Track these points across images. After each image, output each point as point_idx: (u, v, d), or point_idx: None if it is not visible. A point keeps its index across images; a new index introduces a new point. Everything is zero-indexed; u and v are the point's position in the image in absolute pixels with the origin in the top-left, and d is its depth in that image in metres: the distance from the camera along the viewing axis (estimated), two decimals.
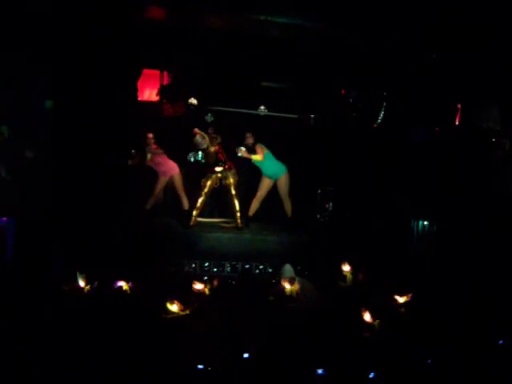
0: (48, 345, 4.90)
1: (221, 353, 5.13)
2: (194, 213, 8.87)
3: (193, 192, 9.25)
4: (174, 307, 5.98)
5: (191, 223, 8.83)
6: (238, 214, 8.97)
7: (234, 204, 8.97)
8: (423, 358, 5.17)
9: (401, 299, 6.58)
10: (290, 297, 6.69)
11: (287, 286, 6.72)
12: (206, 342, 5.33)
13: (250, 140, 9.09)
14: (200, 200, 8.90)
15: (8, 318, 5.28)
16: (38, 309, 5.60)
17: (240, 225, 8.95)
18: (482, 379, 4.93)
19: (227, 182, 8.97)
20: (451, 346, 5.41)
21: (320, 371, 4.80)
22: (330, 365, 4.84)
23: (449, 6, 7.13)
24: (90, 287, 6.43)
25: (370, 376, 4.83)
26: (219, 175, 8.95)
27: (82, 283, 6.41)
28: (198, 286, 6.77)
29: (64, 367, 4.62)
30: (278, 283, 6.91)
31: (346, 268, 7.57)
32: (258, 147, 9.04)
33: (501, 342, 5.50)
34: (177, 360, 4.99)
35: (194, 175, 9.38)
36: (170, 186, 9.42)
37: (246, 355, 5.12)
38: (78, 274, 6.42)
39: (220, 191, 9.25)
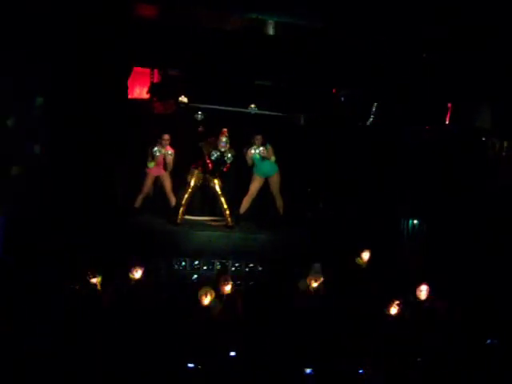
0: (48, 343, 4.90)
1: (214, 351, 5.15)
2: (181, 210, 8.81)
3: (181, 190, 9.23)
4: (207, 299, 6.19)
5: (178, 221, 8.78)
6: (227, 212, 8.93)
7: (221, 203, 8.93)
8: (414, 356, 5.20)
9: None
10: (313, 294, 6.98)
11: (314, 284, 7.00)
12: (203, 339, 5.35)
13: (259, 142, 9.05)
14: (186, 196, 8.83)
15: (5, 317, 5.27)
16: (35, 308, 5.59)
17: (230, 223, 8.93)
18: (470, 377, 4.96)
19: (211, 184, 8.93)
20: (441, 344, 5.44)
21: (308, 371, 4.82)
22: (318, 364, 4.86)
23: (443, 6, 7.16)
24: (101, 282, 6.51)
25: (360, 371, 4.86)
26: (206, 175, 8.91)
27: (94, 280, 6.46)
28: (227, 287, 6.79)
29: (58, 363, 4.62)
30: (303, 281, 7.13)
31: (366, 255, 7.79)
32: (270, 149, 9.03)
33: (488, 341, 5.54)
34: (169, 359, 5.00)
35: (182, 173, 9.36)
36: (158, 184, 9.37)
37: (232, 353, 5.13)
38: (87, 272, 6.45)
39: (208, 189, 9.23)
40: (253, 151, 8.95)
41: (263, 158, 8.99)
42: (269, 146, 9.05)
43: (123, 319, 5.72)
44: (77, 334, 5.25)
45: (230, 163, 8.80)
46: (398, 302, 6.40)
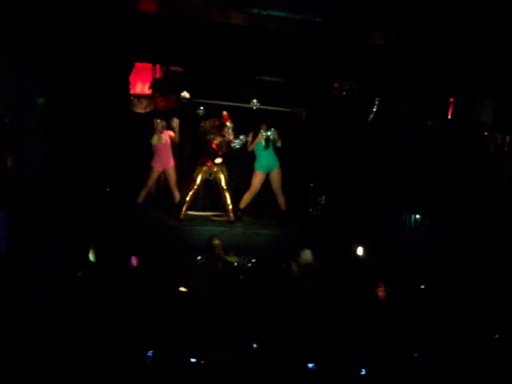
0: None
1: (216, 345, 5.15)
2: (184, 207, 8.85)
3: (185, 186, 9.26)
4: None
5: (181, 217, 8.81)
6: (230, 207, 8.96)
7: (225, 198, 8.96)
8: (411, 352, 5.17)
9: None
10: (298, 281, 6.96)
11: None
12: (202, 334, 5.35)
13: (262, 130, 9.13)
14: (190, 193, 8.86)
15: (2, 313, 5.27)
16: (33, 304, 5.59)
17: (232, 218, 8.95)
18: (477, 373, 4.94)
19: (218, 175, 8.96)
20: (444, 340, 5.42)
21: (311, 365, 4.81)
22: (321, 359, 4.86)
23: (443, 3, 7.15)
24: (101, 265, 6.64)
25: (362, 373, 4.85)
26: (214, 169, 8.94)
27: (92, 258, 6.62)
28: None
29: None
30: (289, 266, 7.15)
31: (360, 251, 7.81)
32: (276, 132, 9.15)
33: (496, 336, 5.50)
34: (170, 353, 5.00)
35: (188, 169, 9.40)
36: (162, 180, 9.39)
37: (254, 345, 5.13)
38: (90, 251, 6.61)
39: (211, 184, 9.25)
40: (264, 133, 9.00)
41: (267, 146, 9.01)
42: (275, 130, 9.11)
43: (123, 314, 5.73)
44: (79, 326, 5.25)
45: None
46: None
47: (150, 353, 4.84)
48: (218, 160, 8.91)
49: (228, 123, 8.81)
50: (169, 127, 9.08)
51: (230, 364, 4.95)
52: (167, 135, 9.04)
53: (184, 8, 7.86)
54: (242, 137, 9.00)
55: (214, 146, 8.86)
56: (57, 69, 7.35)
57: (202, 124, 8.99)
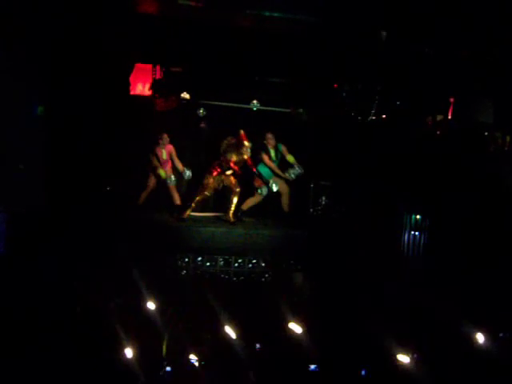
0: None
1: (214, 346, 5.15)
2: (188, 210, 8.87)
3: (189, 188, 9.28)
4: None
5: (184, 217, 8.81)
6: (232, 209, 8.95)
7: (231, 199, 8.97)
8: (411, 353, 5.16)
9: None
10: None
11: None
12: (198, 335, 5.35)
13: (271, 141, 9.10)
14: (197, 198, 8.93)
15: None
16: (33, 304, 5.60)
17: (231, 219, 8.94)
18: (482, 372, 4.93)
19: (229, 180, 8.97)
20: (447, 339, 5.41)
21: (313, 367, 4.81)
22: (322, 361, 4.86)
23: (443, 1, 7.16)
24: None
25: (362, 373, 4.84)
26: (223, 177, 8.95)
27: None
28: None
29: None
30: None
31: None
32: (284, 148, 9.14)
33: (501, 334, 5.50)
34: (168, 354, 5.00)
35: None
36: (161, 181, 9.39)
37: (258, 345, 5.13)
38: None
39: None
40: (291, 171, 8.98)
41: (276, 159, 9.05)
42: (282, 146, 9.07)
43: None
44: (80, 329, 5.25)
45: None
46: None
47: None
48: (229, 172, 8.93)
49: (246, 143, 8.76)
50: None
51: (231, 364, 4.95)
52: (168, 150, 9.05)
53: (184, 9, 7.86)
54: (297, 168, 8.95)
55: (231, 164, 8.85)
56: (57, 69, 7.36)
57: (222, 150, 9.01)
